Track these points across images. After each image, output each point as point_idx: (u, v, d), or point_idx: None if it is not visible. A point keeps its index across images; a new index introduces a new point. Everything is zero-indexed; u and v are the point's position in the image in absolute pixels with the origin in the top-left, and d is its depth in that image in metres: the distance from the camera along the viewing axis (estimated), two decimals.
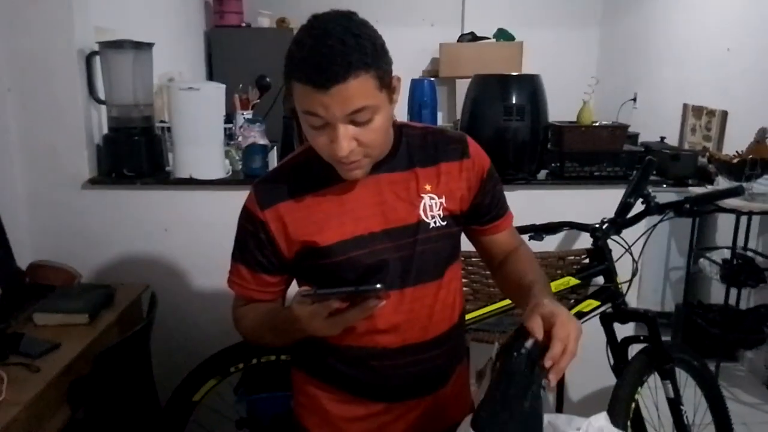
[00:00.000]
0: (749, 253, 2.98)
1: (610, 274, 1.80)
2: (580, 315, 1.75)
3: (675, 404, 1.74)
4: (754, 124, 2.91)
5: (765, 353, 3.00)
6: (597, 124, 2.15)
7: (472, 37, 4.78)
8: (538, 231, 1.87)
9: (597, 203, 1.95)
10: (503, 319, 1.82)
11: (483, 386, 0.95)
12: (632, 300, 2.02)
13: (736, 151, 2.90)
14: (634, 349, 1.78)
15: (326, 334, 0.95)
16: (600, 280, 1.83)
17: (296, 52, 0.91)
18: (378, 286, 0.87)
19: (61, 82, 1.97)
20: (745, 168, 2.79)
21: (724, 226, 3.30)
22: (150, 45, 2.08)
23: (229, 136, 2.39)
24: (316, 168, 1.05)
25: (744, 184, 2.62)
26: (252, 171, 2.04)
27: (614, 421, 0.98)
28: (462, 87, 3.59)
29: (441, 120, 3.05)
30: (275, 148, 2.27)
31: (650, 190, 1.82)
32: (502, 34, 4.76)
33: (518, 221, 1.28)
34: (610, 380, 1.73)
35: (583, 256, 1.87)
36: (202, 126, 2.01)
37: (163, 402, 1.87)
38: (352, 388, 1.13)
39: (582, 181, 2.13)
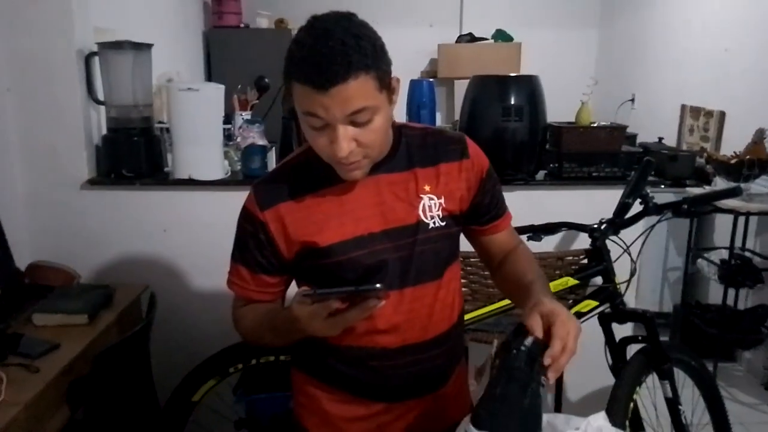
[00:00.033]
0: (747, 254, 2.99)
1: (609, 274, 1.80)
2: (578, 315, 1.75)
3: (673, 404, 1.74)
4: (752, 125, 2.92)
5: (763, 353, 3.01)
6: (595, 124, 2.15)
7: (471, 38, 4.78)
8: (537, 231, 1.88)
9: (595, 204, 1.96)
10: (502, 320, 1.82)
11: (482, 383, 0.95)
12: (630, 300, 2.02)
13: (734, 152, 2.90)
14: (632, 349, 1.78)
15: (326, 334, 0.95)
16: (598, 280, 1.83)
17: (296, 52, 0.91)
18: (378, 286, 0.88)
19: (61, 83, 1.97)
20: (742, 168, 2.80)
21: (722, 226, 3.31)
22: (149, 46, 2.08)
23: (228, 136, 2.39)
24: (316, 168, 1.05)
25: (742, 185, 2.63)
26: (251, 171, 2.04)
27: (613, 420, 0.98)
28: (461, 88, 3.61)
29: (440, 121, 3.06)
30: (274, 148, 2.26)
31: (648, 191, 1.82)
32: (501, 35, 4.77)
33: (517, 222, 1.28)
34: (609, 380, 1.73)
35: (581, 257, 1.87)
36: (201, 126, 2.01)
37: (162, 402, 1.87)
38: (352, 389, 1.14)
39: (580, 182, 2.13)
